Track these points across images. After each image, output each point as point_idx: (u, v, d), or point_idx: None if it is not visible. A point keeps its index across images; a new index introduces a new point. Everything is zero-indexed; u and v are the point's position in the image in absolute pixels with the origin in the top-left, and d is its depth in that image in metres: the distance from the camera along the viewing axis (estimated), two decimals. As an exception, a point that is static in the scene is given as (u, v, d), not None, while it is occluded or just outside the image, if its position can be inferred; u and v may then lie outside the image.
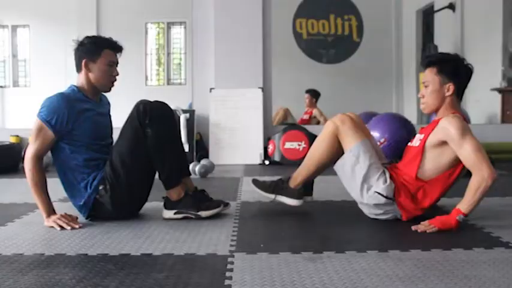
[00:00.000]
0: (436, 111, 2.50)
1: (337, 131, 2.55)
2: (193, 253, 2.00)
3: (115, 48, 2.63)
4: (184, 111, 5.60)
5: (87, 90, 2.59)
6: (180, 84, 11.18)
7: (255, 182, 2.84)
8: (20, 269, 1.80)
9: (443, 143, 2.39)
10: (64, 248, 2.08)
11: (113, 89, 2.67)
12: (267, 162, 5.51)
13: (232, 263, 1.86)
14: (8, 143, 5.15)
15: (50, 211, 2.46)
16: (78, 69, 2.59)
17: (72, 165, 2.51)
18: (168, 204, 2.58)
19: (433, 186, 2.46)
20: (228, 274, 1.73)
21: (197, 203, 2.57)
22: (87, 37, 2.63)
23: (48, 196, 2.46)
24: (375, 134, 5.27)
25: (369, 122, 5.49)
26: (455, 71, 2.45)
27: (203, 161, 4.57)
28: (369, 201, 2.49)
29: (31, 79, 11.12)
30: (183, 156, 2.65)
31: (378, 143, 5.19)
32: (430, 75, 2.47)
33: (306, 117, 7.55)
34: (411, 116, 8.63)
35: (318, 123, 7.21)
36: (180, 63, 11.43)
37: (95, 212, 2.54)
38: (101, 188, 2.49)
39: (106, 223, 2.49)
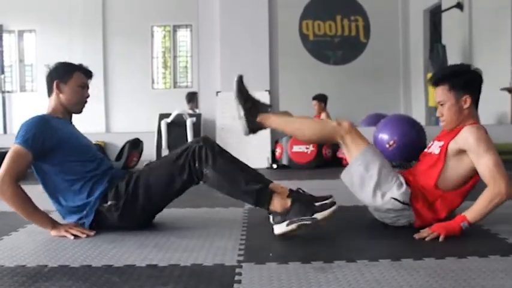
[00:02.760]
0: (457, 125, 2.43)
1: (339, 137, 2.44)
2: (200, 263, 1.94)
3: (86, 72, 2.63)
4: (191, 115, 5.56)
5: (59, 112, 2.56)
6: (186, 87, 11.13)
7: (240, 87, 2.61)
8: (22, 282, 1.75)
9: (462, 152, 2.34)
10: (68, 258, 2.03)
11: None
12: (274, 166, 5.46)
13: (240, 274, 1.81)
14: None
15: (54, 222, 2.41)
16: (50, 93, 2.59)
17: (64, 186, 2.46)
18: (276, 217, 2.29)
19: (452, 196, 2.41)
20: (236, 286, 1.67)
21: (308, 206, 2.25)
22: (59, 62, 2.65)
23: (41, 210, 2.40)
24: (384, 136, 5.21)
25: (377, 124, 5.43)
26: (468, 83, 2.39)
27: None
28: (383, 206, 2.42)
29: (38, 84, 11.11)
30: (249, 170, 2.42)
31: (387, 146, 5.14)
32: (443, 94, 2.40)
33: (314, 119, 7.50)
34: (419, 116, 8.56)
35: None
36: (186, 66, 11.40)
37: (96, 224, 2.47)
38: (109, 203, 2.43)
39: (112, 232, 2.44)
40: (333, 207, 2.24)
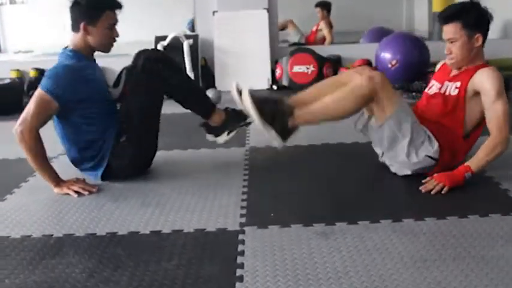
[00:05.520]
0: (466, 64, 2.39)
1: (374, 94, 2.28)
2: (203, 229, 1.97)
3: (115, 6, 2.46)
4: (188, 37, 5.39)
5: (84, 51, 2.46)
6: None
7: (254, 100, 2.34)
8: (29, 259, 1.77)
9: (477, 94, 2.33)
10: (72, 225, 2.06)
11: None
12: (275, 87, 5.38)
13: (243, 242, 1.84)
14: (8, 80, 4.99)
15: (58, 179, 2.42)
16: (75, 30, 2.43)
17: (82, 132, 2.46)
18: (216, 130, 2.66)
19: (469, 141, 2.43)
20: (239, 261, 1.70)
21: (239, 113, 2.60)
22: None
23: (50, 165, 2.42)
24: (386, 55, 5.08)
25: (380, 42, 5.28)
26: (480, 20, 2.34)
27: (209, 92, 4.45)
28: (416, 164, 2.35)
29: (27, -4, 10.71)
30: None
31: (390, 65, 5.02)
32: (455, 31, 2.33)
33: (314, 29, 7.28)
34: (422, 23, 8.34)
35: (324, 39, 6.95)
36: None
37: (109, 171, 2.49)
38: (121, 140, 2.46)
39: (113, 188, 2.46)
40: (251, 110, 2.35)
